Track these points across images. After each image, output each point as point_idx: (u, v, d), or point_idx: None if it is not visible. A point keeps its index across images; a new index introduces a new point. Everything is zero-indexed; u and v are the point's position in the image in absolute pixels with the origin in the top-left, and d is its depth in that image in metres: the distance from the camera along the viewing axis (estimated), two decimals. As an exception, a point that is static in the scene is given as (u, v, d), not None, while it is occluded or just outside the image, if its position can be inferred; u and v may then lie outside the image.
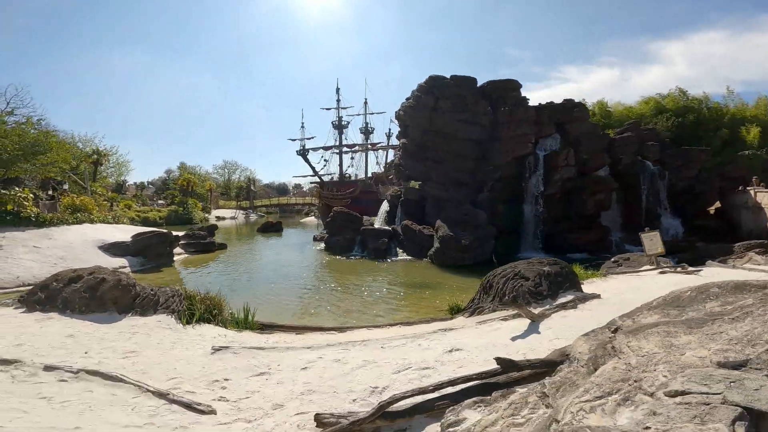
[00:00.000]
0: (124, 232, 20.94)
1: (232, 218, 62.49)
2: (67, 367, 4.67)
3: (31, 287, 11.42)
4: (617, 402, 2.06)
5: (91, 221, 21.20)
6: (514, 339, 5.38)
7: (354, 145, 49.70)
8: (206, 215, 57.25)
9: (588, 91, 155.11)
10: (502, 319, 6.46)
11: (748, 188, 21.86)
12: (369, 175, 50.12)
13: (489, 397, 2.97)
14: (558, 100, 24.24)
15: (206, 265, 20.65)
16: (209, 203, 64.74)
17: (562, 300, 7.77)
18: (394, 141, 59.25)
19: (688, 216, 23.58)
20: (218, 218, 58.22)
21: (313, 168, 45.26)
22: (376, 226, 25.03)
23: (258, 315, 8.05)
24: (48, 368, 4.63)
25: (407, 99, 24.96)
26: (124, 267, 17.29)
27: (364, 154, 50.41)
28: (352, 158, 50.55)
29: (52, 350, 5.45)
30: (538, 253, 20.06)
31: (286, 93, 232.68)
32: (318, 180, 45.80)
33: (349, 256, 21.96)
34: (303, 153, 45.43)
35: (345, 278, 16.76)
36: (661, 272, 10.71)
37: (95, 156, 35.46)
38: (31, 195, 19.71)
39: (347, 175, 47.79)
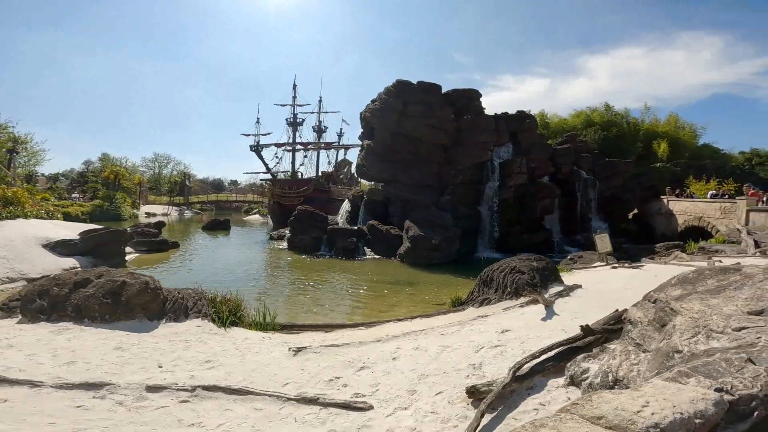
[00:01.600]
0: (67, 229, 18.99)
1: (165, 215, 58.11)
2: (176, 385, 4.21)
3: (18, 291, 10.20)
4: (705, 337, 3.16)
5: (25, 216, 18.97)
6: (544, 320, 6.35)
7: (308, 144, 49.13)
8: (135, 211, 52.92)
9: (522, 100, 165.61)
10: (520, 306, 7.45)
11: (662, 197, 25.78)
12: (319, 173, 49.87)
13: (591, 353, 3.83)
14: (497, 108, 26.72)
15: (163, 265, 19.49)
16: (138, 198, 59.73)
17: (553, 290, 9.00)
18: (345, 140, 59.74)
19: (614, 220, 27.21)
20: (148, 214, 54.14)
21: (266, 165, 44.11)
22: (340, 225, 25.36)
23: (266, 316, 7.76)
24: (152, 389, 4.14)
25: (373, 101, 25.58)
26: (75, 268, 15.84)
27: (316, 152, 50.07)
28: (305, 156, 50.08)
29: (118, 367, 4.90)
30: (493, 253, 21.86)
31: (230, 84, 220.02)
32: (270, 177, 44.64)
33: (316, 255, 22.03)
34: (257, 149, 43.99)
35: (322, 277, 16.95)
36: (612, 267, 12.49)
37: (11, 144, 31.07)
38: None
39: (299, 173, 47.16)
